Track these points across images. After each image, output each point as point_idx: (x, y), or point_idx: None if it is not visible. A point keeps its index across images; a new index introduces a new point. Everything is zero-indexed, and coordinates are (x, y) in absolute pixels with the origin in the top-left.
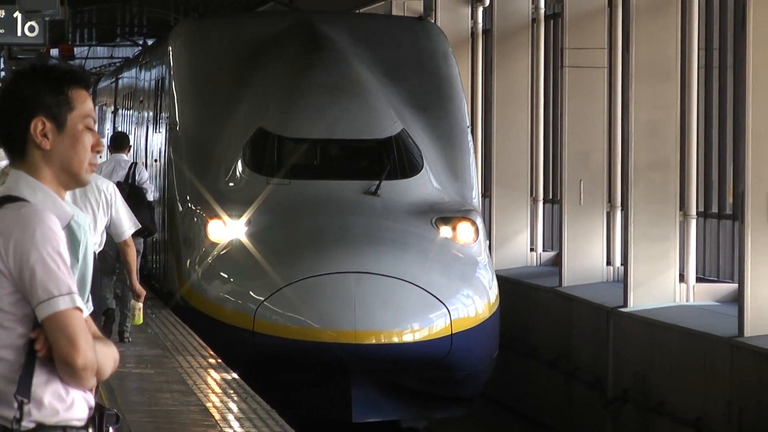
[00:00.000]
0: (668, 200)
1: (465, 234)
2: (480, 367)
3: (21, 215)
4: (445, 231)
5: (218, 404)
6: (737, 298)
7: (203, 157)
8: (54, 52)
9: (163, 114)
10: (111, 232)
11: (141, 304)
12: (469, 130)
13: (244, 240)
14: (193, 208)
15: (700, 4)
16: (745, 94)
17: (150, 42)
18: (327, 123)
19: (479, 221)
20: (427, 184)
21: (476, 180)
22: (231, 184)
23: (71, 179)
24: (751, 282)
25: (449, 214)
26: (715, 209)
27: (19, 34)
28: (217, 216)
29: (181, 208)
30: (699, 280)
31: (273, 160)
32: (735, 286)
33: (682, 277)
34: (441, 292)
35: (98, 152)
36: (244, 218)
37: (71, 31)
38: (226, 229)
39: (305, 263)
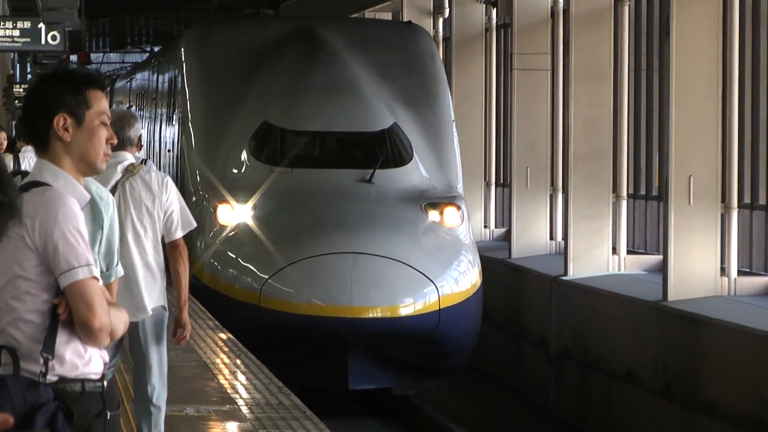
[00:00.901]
0: (602, 184)
1: (451, 218)
2: (465, 340)
3: (45, 198)
4: (433, 215)
5: (215, 360)
6: (662, 268)
7: (213, 148)
8: (73, 58)
9: (176, 109)
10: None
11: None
12: (453, 123)
13: (250, 223)
14: (204, 193)
15: (630, 15)
16: (669, 93)
17: (156, 49)
18: (325, 117)
19: (464, 206)
20: (417, 172)
21: (460, 169)
22: (238, 173)
23: (88, 167)
24: (674, 254)
25: (437, 200)
26: (643, 192)
27: (42, 42)
28: (225, 201)
29: (192, 194)
30: (629, 252)
31: (276, 150)
32: (660, 257)
33: (614, 250)
34: (430, 271)
35: (111, 145)
36: (250, 203)
37: (88, 40)
38: (234, 213)
39: (306, 244)
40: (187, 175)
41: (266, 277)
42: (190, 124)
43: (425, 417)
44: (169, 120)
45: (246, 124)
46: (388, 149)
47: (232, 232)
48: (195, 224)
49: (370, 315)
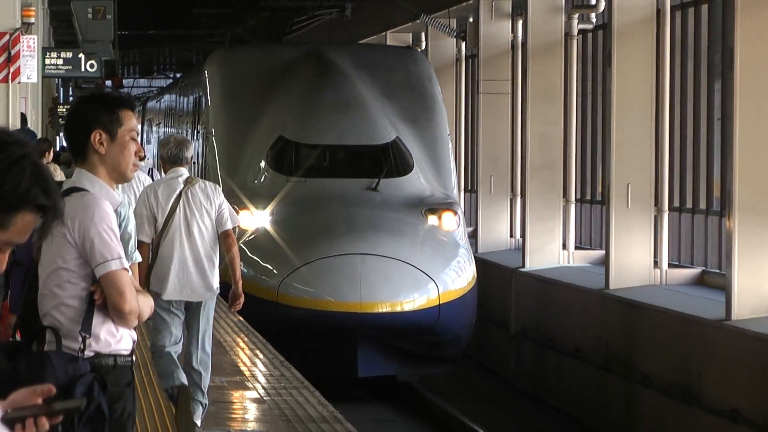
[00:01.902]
0: (554, 190)
1: (449, 222)
2: (462, 332)
3: (83, 201)
4: (432, 220)
5: (228, 339)
6: (604, 261)
7: (234, 160)
8: (108, 83)
9: (201, 125)
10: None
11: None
12: (449, 137)
13: (269, 228)
14: (227, 200)
15: (578, 48)
16: (611, 113)
17: (178, 75)
18: (335, 132)
19: (460, 212)
20: (417, 181)
21: (455, 178)
22: (257, 182)
23: (119, 176)
24: (614, 249)
25: (435, 206)
26: (588, 196)
27: (82, 69)
28: (245, 208)
29: None
30: (577, 248)
31: (291, 162)
32: (602, 252)
33: (564, 246)
34: (430, 270)
35: (140, 156)
36: (268, 210)
37: (120, 68)
38: (254, 219)
39: (319, 246)
40: None
41: (283, 276)
42: (213, 138)
43: (426, 400)
44: (195, 134)
45: (264, 139)
46: (391, 160)
47: (252, 236)
48: (239, 221)
49: (377, 310)
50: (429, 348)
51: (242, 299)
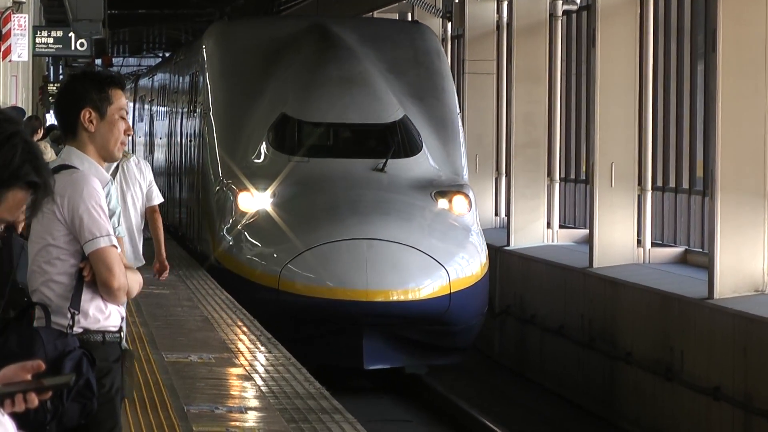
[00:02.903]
0: (539, 169)
1: (460, 206)
2: (473, 322)
3: (72, 179)
4: (442, 203)
5: (215, 315)
6: (588, 240)
7: (233, 139)
8: (98, 61)
9: (198, 101)
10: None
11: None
12: (459, 116)
13: (270, 210)
14: (225, 182)
15: (562, 28)
16: (594, 93)
17: (168, 54)
18: (340, 109)
19: (471, 194)
20: (426, 162)
21: (465, 158)
22: (257, 162)
23: (108, 154)
24: (598, 228)
25: (445, 189)
26: (572, 176)
27: (72, 48)
28: (245, 189)
29: (214, 182)
30: (561, 227)
31: (294, 140)
32: (586, 231)
33: (548, 225)
34: (441, 256)
35: (128, 135)
36: (269, 191)
37: (110, 47)
38: (254, 200)
39: (323, 230)
40: (209, 165)
41: (285, 261)
42: (211, 116)
43: (433, 392)
44: (191, 112)
45: (265, 116)
46: (399, 140)
47: (252, 219)
48: (162, 199)
49: (385, 298)
50: (438, 338)
51: (168, 270)
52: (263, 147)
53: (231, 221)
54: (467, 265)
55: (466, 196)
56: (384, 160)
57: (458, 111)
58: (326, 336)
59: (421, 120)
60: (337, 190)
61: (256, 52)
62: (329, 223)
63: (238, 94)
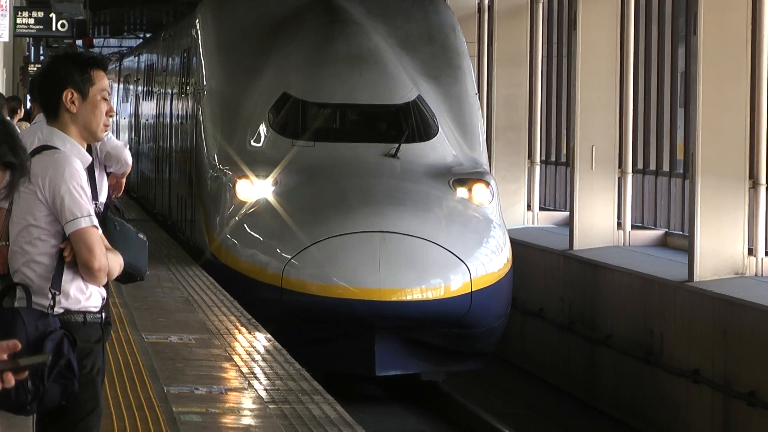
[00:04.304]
0: (520, 152)
1: (480, 195)
2: (496, 323)
3: (54, 159)
4: (461, 192)
5: (195, 296)
6: (568, 222)
7: (230, 121)
8: (79, 42)
9: (191, 80)
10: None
11: None
12: (477, 96)
13: (271, 199)
14: (222, 168)
15: (543, 11)
16: (575, 76)
17: (148, 36)
18: (348, 89)
19: (493, 183)
20: (443, 147)
21: (485, 143)
22: (257, 146)
23: (90, 135)
24: (579, 211)
25: (465, 176)
26: (553, 158)
27: (53, 29)
28: (244, 176)
29: (209, 168)
30: (541, 209)
31: (297, 123)
32: (567, 213)
33: (529, 207)
34: (461, 252)
35: (111, 116)
36: (271, 179)
37: (91, 28)
38: (254, 189)
39: (331, 223)
40: (203, 150)
41: (289, 257)
42: (206, 96)
43: (453, 402)
44: (182, 92)
45: (265, 96)
46: (413, 122)
47: (252, 209)
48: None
49: (399, 298)
50: (458, 342)
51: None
52: (263, 130)
53: (228, 212)
54: (489, 261)
55: (487, 184)
56: (397, 145)
57: (476, 91)
58: (334, 339)
59: (437, 101)
60: (346, 178)
61: (255, 27)
62: (338, 214)
63: (236, 72)
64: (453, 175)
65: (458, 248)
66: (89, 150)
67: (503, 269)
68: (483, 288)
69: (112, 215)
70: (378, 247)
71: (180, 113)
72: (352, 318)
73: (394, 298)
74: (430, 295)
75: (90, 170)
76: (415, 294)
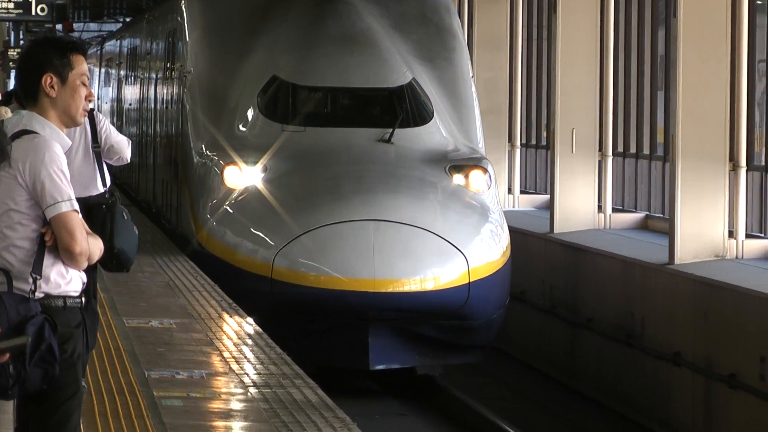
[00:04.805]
0: (500, 135)
1: (477, 182)
2: (495, 315)
3: (34, 144)
4: (458, 179)
5: (176, 280)
6: (549, 206)
7: (218, 105)
8: (58, 27)
9: (176, 63)
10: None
11: None
12: (473, 80)
13: (261, 187)
14: (209, 154)
15: None
16: (556, 60)
17: (128, 20)
18: (340, 72)
19: (490, 169)
20: (438, 132)
21: (481, 128)
22: (246, 131)
23: (70, 119)
24: (559, 194)
25: (461, 162)
26: (534, 141)
27: (33, 13)
28: (233, 162)
29: (195, 154)
30: (522, 192)
31: (287, 107)
32: (547, 197)
33: (510, 190)
34: (458, 241)
35: (90, 101)
36: (260, 165)
37: (71, 12)
38: (242, 176)
39: (323, 211)
40: (190, 135)
41: (280, 246)
42: (192, 79)
43: (450, 396)
44: (167, 76)
45: (254, 79)
46: (407, 106)
47: (241, 197)
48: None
49: (394, 289)
50: (455, 334)
51: None
52: (252, 114)
53: (216, 200)
54: (488, 251)
55: (485, 170)
56: (391, 130)
57: (471, 74)
58: (327, 332)
59: (432, 84)
60: (338, 164)
61: (242, 7)
62: (330, 202)
63: (223, 54)
64: (449, 161)
65: (455, 237)
66: (95, 138)
67: (502, 258)
68: (481, 278)
69: (120, 205)
70: (372, 236)
71: (165, 97)
72: (345, 310)
73: (388, 289)
74: (426, 285)
75: (97, 157)
76: (411, 285)
